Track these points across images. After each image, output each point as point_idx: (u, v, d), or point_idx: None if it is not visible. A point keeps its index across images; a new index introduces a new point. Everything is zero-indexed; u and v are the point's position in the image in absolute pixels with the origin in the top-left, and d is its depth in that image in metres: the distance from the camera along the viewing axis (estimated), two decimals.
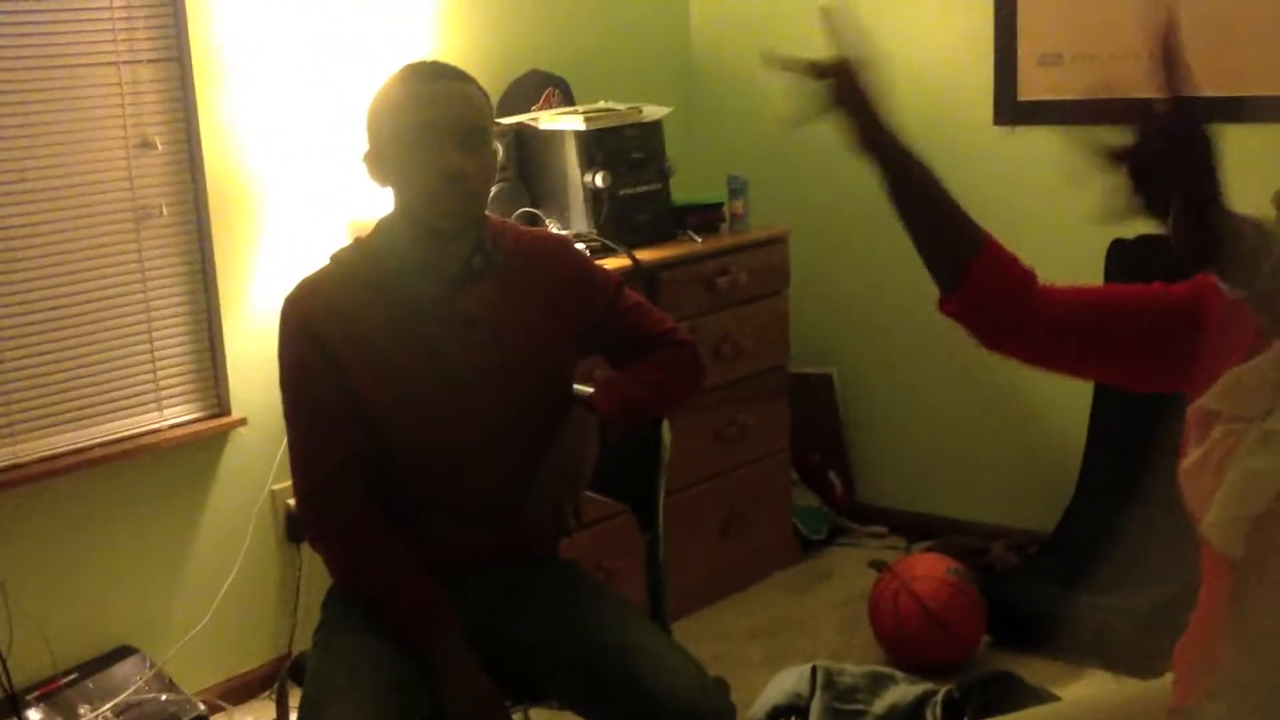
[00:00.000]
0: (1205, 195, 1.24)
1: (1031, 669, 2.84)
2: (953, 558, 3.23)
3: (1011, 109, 3.50)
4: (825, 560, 3.73)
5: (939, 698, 2.65)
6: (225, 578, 2.99)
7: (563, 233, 3.11)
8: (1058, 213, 3.34)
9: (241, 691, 3.04)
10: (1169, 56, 1.21)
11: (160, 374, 2.90)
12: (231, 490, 3.02)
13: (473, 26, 3.41)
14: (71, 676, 2.74)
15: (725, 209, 3.52)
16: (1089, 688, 2.89)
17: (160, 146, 2.85)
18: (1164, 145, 1.23)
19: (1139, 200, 1.25)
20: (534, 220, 3.19)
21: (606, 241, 3.14)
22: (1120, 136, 1.24)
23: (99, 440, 2.80)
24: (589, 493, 1.99)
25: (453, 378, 1.96)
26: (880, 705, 2.67)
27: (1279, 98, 3.13)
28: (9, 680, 2.59)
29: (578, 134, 3.20)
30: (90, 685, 2.74)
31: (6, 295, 2.67)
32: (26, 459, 2.70)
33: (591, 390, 2.06)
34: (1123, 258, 3.27)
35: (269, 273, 2.99)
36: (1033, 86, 3.48)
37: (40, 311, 2.72)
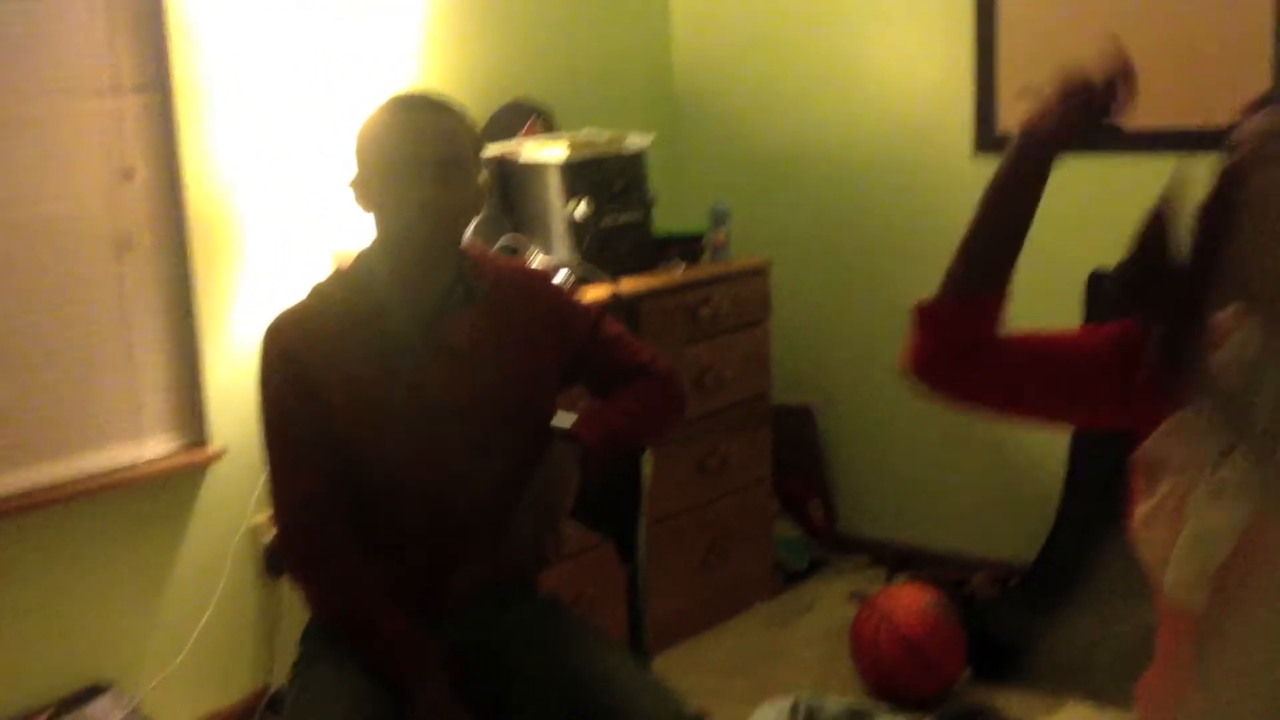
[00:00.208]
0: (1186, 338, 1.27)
1: (1012, 700, 2.84)
2: (933, 589, 3.23)
3: (992, 140, 3.53)
4: (806, 591, 3.73)
5: None
6: (203, 612, 2.96)
7: (545, 262, 3.12)
8: (1036, 244, 3.34)
9: None
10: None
11: (139, 405, 2.88)
12: (210, 523, 3.00)
13: (456, 56, 3.42)
14: (47, 714, 2.70)
15: (707, 239, 3.53)
16: (1070, 719, 2.89)
17: (142, 176, 2.84)
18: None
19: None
20: (516, 250, 3.19)
21: (588, 271, 3.15)
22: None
23: (76, 474, 2.77)
24: (569, 523, 1.99)
25: (433, 409, 1.95)
26: None
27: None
28: None
29: (560, 164, 3.21)
30: None
31: None
32: (1, 494, 2.66)
33: (573, 421, 2.06)
34: (1102, 289, 3.28)
35: (250, 303, 2.98)
36: (1012, 117, 3.50)
37: (18, 342, 2.69)
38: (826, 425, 3.97)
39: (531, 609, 2.04)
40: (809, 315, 3.91)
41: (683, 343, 3.32)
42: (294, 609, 2.44)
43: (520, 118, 3.49)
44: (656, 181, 3.44)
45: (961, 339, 1.55)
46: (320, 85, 3.05)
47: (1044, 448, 3.52)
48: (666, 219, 3.52)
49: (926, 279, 1.62)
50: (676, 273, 3.37)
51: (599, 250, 3.22)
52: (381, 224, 1.96)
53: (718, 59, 4.04)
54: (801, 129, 3.90)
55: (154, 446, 2.91)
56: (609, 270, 3.16)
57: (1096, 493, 3.32)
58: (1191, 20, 3.23)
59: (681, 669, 3.07)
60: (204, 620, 2.96)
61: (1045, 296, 3.58)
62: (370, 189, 1.95)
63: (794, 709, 2.71)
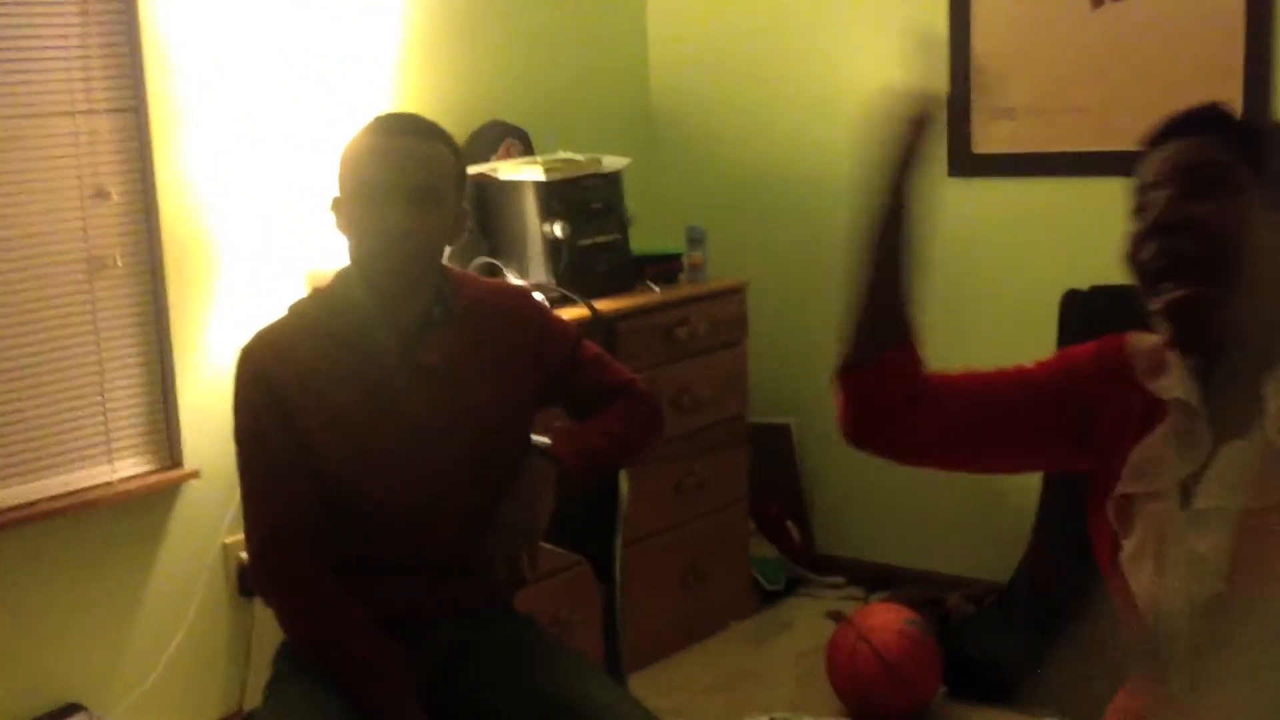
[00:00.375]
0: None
1: (988, 719, 2.84)
2: (910, 608, 3.23)
3: (967, 161, 3.55)
4: (784, 611, 3.72)
5: None
6: (175, 633, 2.94)
7: (521, 283, 3.11)
8: (1012, 264, 3.38)
9: None
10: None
11: (112, 426, 2.86)
12: (183, 544, 2.98)
13: (433, 77, 3.42)
14: None
15: (684, 259, 3.54)
16: None
17: (115, 196, 2.83)
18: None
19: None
20: (493, 271, 3.19)
21: (565, 292, 3.14)
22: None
23: (48, 494, 2.75)
24: (545, 544, 1.98)
25: (409, 430, 1.94)
26: None
27: None
28: None
29: (537, 184, 3.21)
30: None
31: None
32: None
33: (550, 441, 2.05)
34: (1076, 308, 3.30)
35: (224, 324, 2.97)
36: (987, 139, 3.53)
37: None
38: (804, 445, 3.97)
39: (507, 629, 2.04)
40: (786, 335, 3.92)
41: (660, 363, 3.32)
42: (267, 630, 2.42)
43: (497, 139, 3.49)
44: (633, 202, 3.44)
45: (890, 395, 1.52)
46: (295, 105, 3.04)
47: None
48: (643, 239, 3.52)
49: None
50: (653, 293, 3.37)
51: (576, 271, 3.22)
52: (357, 247, 1.96)
53: (694, 81, 4.05)
54: (778, 150, 3.92)
55: (127, 467, 2.89)
56: (586, 291, 3.16)
57: (1071, 511, 3.32)
58: (1163, 44, 3.26)
59: (659, 689, 3.06)
60: (177, 640, 2.94)
61: (1020, 316, 3.62)
62: (348, 211, 1.94)
63: None
